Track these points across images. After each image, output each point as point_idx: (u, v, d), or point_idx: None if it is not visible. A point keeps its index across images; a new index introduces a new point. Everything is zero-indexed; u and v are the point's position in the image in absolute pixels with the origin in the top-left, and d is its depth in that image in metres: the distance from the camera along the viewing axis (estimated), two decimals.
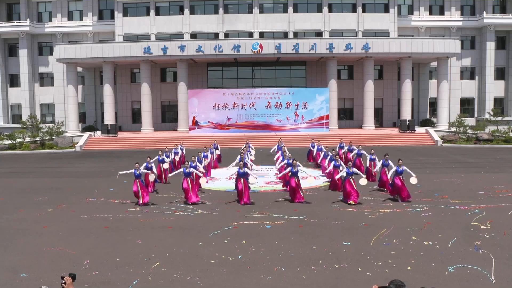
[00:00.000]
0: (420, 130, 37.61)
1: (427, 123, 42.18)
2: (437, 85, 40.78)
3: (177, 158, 21.40)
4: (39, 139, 35.35)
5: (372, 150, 18.42)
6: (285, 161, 16.87)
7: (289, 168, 14.94)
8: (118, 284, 7.99)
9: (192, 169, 14.83)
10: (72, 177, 20.95)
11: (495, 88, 43.84)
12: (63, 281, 4.59)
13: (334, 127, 39.11)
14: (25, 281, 8.14)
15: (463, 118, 37.62)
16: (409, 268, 8.57)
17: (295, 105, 38.29)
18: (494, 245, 9.84)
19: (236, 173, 14.68)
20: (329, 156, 18.61)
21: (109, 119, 39.37)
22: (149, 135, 37.68)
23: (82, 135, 36.75)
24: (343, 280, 8.06)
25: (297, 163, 15.03)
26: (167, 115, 43.97)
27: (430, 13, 44.02)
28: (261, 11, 42.21)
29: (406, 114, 39.17)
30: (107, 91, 39.35)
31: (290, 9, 41.96)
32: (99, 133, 38.02)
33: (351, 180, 14.17)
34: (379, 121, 43.31)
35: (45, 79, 45.44)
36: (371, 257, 9.15)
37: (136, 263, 9.01)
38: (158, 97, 42.86)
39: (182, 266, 8.79)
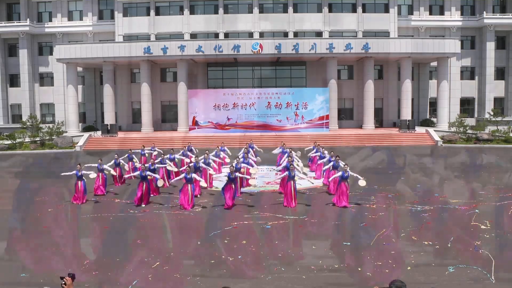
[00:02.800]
0: (420, 130, 37.57)
1: (427, 123, 42.14)
2: (437, 85, 40.73)
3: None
4: (39, 139, 35.31)
5: (332, 152, 17.28)
6: (241, 161, 16.66)
7: (225, 174, 14.38)
8: (118, 284, 7.99)
9: (148, 172, 14.40)
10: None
11: (495, 88, 43.78)
12: (63, 281, 4.59)
13: (334, 127, 39.06)
14: (25, 281, 8.15)
15: (463, 118, 37.55)
16: (409, 268, 8.57)
17: (295, 105, 38.24)
18: (494, 245, 9.84)
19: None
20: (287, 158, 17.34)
21: (109, 119, 39.34)
22: (149, 135, 37.63)
23: (82, 135, 36.71)
24: (343, 280, 8.07)
25: (236, 167, 14.54)
26: (167, 115, 43.89)
27: (430, 13, 43.96)
28: (261, 11, 42.16)
29: (406, 114, 39.12)
30: (107, 91, 39.33)
31: (290, 9, 41.90)
32: (99, 133, 37.99)
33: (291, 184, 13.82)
34: (379, 121, 43.23)
35: (45, 79, 45.40)
36: (371, 257, 9.15)
37: (136, 263, 9.01)
38: (158, 97, 42.78)
39: (182, 266, 8.79)
